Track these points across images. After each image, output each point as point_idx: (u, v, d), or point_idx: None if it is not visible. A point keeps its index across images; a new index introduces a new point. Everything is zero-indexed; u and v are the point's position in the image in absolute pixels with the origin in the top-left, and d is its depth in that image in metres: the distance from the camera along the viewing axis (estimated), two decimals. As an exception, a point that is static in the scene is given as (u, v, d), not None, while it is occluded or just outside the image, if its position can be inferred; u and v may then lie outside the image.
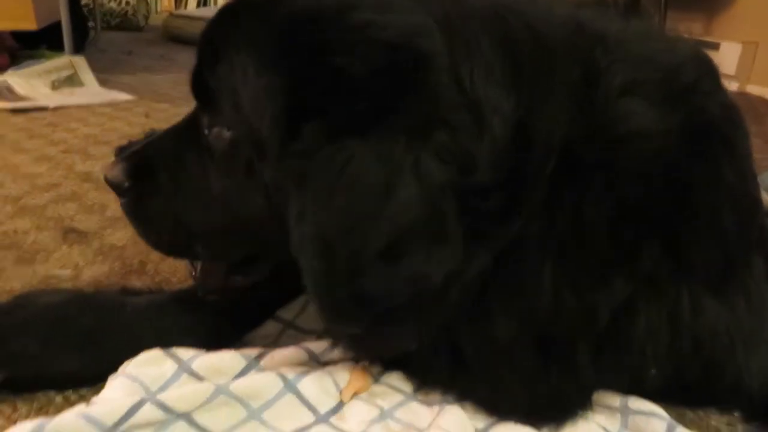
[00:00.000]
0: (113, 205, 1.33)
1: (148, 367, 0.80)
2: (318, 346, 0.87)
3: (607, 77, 0.75)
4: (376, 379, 0.86)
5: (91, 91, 2.72)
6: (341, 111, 0.66)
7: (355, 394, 0.82)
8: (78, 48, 3.18)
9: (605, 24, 0.81)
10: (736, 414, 0.87)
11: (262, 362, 0.84)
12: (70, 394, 0.82)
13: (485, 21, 0.72)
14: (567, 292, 0.74)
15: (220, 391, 0.75)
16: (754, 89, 3.72)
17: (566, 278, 0.74)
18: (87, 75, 2.85)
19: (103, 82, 2.85)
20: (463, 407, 0.80)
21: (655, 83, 0.77)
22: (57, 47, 3.06)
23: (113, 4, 5.09)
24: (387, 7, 0.69)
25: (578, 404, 0.80)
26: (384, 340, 0.77)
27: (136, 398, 0.72)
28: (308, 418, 0.78)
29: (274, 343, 0.93)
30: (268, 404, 0.78)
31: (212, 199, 0.80)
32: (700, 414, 0.87)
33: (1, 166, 1.73)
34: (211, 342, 0.86)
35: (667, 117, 0.75)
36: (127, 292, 1.00)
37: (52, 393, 0.81)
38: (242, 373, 0.82)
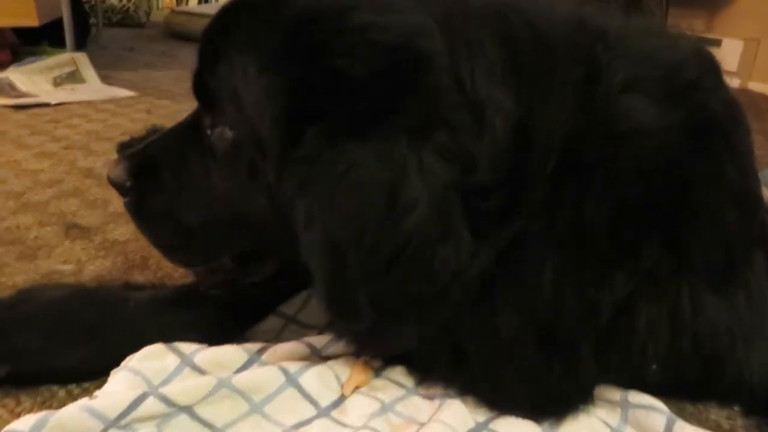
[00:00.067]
0: (115, 200, 1.33)
1: (151, 361, 0.80)
2: (319, 340, 0.88)
3: (608, 74, 0.75)
4: (377, 374, 0.86)
5: (92, 88, 2.72)
6: (341, 112, 0.66)
7: (356, 388, 0.82)
8: (79, 44, 3.18)
9: (606, 21, 0.82)
10: (736, 408, 0.88)
11: (264, 356, 0.84)
12: (74, 388, 0.82)
13: (486, 20, 0.72)
14: (568, 290, 0.74)
15: (222, 384, 0.76)
16: (755, 86, 3.71)
17: (567, 276, 0.74)
18: (89, 71, 2.85)
19: (105, 79, 2.85)
20: (464, 401, 0.81)
21: (657, 80, 0.77)
22: (58, 44, 3.06)
23: (114, 1, 5.09)
24: (387, 8, 0.70)
25: (579, 399, 0.81)
26: (387, 337, 0.77)
27: (138, 392, 0.72)
28: (309, 411, 0.79)
29: (275, 337, 0.93)
30: (269, 398, 0.78)
31: (215, 198, 0.81)
32: (699, 408, 0.87)
33: (4, 162, 1.73)
34: (213, 337, 0.87)
35: (668, 114, 0.75)
36: (129, 287, 1.00)
37: (55, 387, 0.82)
38: (244, 367, 0.82)
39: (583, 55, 0.76)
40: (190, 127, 0.84)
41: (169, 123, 0.89)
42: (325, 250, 0.66)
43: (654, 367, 0.80)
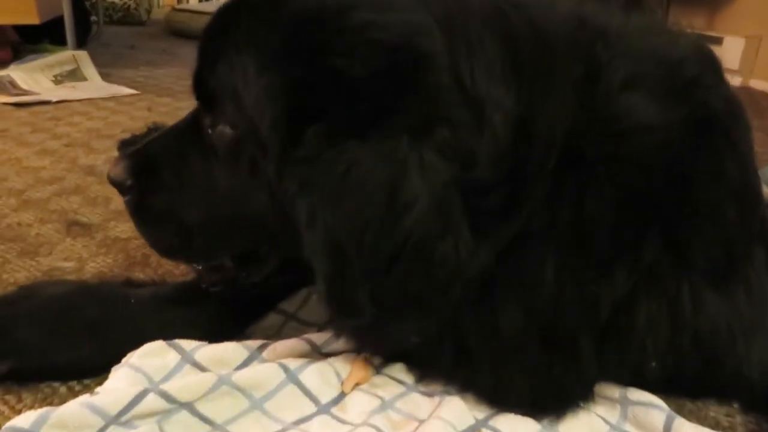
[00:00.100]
0: (116, 198, 1.33)
1: (152, 358, 0.81)
2: (319, 337, 0.88)
3: (609, 72, 0.75)
4: (377, 371, 0.86)
5: (93, 86, 2.72)
6: (342, 112, 0.66)
7: (356, 385, 0.83)
8: (80, 42, 3.17)
9: (607, 19, 0.81)
10: (735, 405, 0.88)
11: (264, 353, 0.84)
12: (74, 385, 0.82)
13: (486, 18, 0.72)
14: (569, 286, 0.75)
15: (222, 381, 0.76)
16: (757, 84, 3.71)
17: (568, 272, 0.74)
18: (89, 69, 2.85)
19: (106, 77, 2.85)
20: (464, 398, 0.81)
21: (657, 77, 0.77)
22: (59, 42, 3.06)
23: (115, -2, 5.09)
24: (387, 6, 0.70)
25: (580, 397, 0.81)
26: (387, 334, 0.77)
27: (139, 388, 0.72)
28: (309, 408, 0.79)
29: (276, 335, 0.94)
30: (270, 395, 0.79)
31: (216, 196, 0.81)
32: (698, 405, 0.88)
33: (5, 160, 1.73)
34: (214, 334, 0.87)
35: (669, 111, 0.75)
36: (130, 284, 1.01)
37: (56, 383, 0.82)
38: (244, 364, 0.83)
39: (584, 53, 0.76)
40: (191, 125, 0.84)
41: (170, 120, 0.89)
42: (326, 249, 0.66)
43: (654, 364, 0.80)
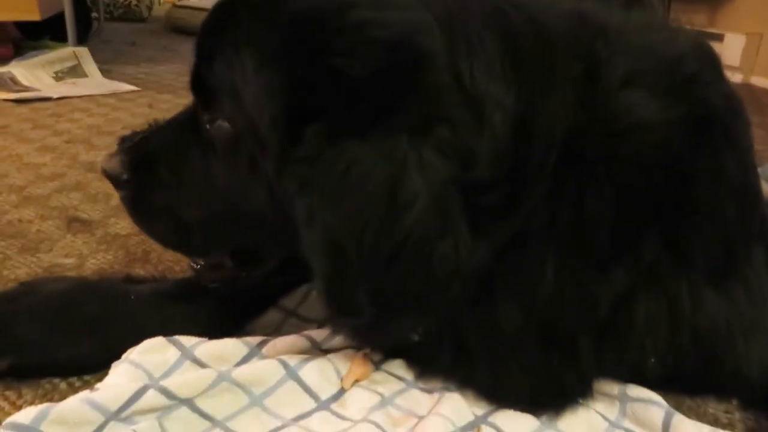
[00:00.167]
0: (117, 195, 1.33)
1: (152, 354, 0.81)
2: (319, 334, 0.88)
3: (608, 69, 0.75)
4: (377, 367, 0.86)
5: (94, 82, 2.72)
6: (341, 112, 0.66)
7: (356, 382, 0.83)
8: (81, 39, 3.17)
9: (606, 16, 0.81)
10: (734, 402, 0.88)
11: (264, 350, 0.85)
12: (75, 381, 0.83)
13: (486, 16, 0.72)
14: (568, 285, 0.75)
15: (222, 377, 0.76)
16: (757, 81, 3.70)
17: (567, 271, 0.74)
18: (90, 66, 2.85)
19: (107, 73, 2.85)
20: (463, 395, 0.81)
21: (657, 74, 0.77)
22: (60, 38, 3.06)
23: (116, -5, 5.09)
24: (387, 5, 0.69)
25: (579, 393, 0.81)
26: (387, 331, 0.78)
27: (139, 384, 0.72)
28: (309, 404, 0.79)
29: (276, 331, 0.94)
30: (269, 391, 0.79)
31: (214, 192, 0.81)
32: (698, 402, 0.88)
33: (6, 156, 1.74)
34: (214, 330, 0.87)
35: (668, 109, 0.75)
36: (130, 280, 1.01)
37: (56, 379, 0.82)
38: (244, 360, 0.83)
39: (584, 51, 0.76)
40: (188, 120, 0.84)
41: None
42: (325, 248, 0.66)
43: (652, 361, 0.80)
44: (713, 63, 0.85)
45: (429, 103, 0.66)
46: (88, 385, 0.80)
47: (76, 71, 2.79)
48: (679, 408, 0.83)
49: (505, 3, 0.74)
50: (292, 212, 0.70)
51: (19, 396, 0.79)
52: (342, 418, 0.78)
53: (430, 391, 0.83)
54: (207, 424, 0.74)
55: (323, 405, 0.79)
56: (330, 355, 0.85)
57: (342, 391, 0.82)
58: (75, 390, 0.80)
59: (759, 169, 0.91)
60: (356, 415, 0.78)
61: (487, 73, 0.69)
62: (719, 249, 0.80)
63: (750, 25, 3.76)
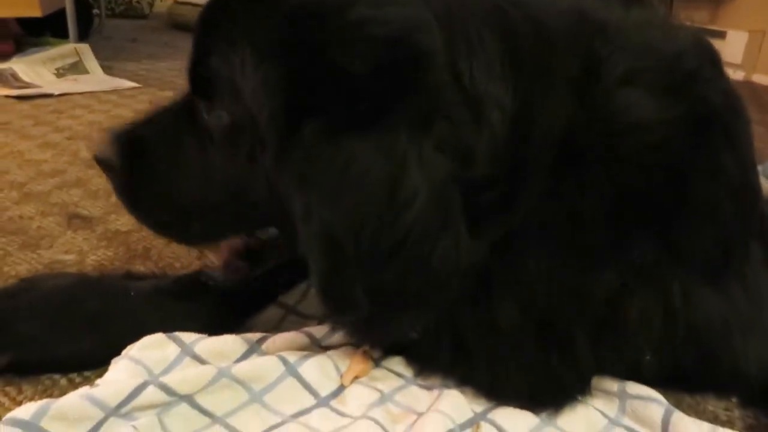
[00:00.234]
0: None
1: (152, 351, 0.81)
2: (319, 330, 0.88)
3: (607, 67, 0.75)
4: (377, 364, 0.87)
5: (95, 79, 2.72)
6: (340, 110, 0.65)
7: (355, 378, 0.83)
8: (82, 35, 3.17)
9: (606, 13, 0.81)
10: (734, 399, 0.88)
11: (264, 346, 0.85)
12: (75, 377, 0.83)
13: (486, 14, 0.72)
14: (563, 282, 0.75)
15: (222, 374, 0.76)
16: (759, 78, 3.70)
17: (563, 268, 0.75)
18: (91, 62, 2.85)
19: (108, 70, 2.85)
20: (462, 392, 0.81)
21: (656, 72, 0.77)
22: (61, 34, 3.05)
23: (117, -8, 5.08)
24: (387, 2, 0.69)
25: (577, 390, 0.81)
26: (385, 328, 0.78)
27: (139, 380, 0.73)
28: (309, 401, 0.79)
29: (275, 328, 0.94)
30: (269, 387, 0.79)
31: (211, 181, 0.81)
32: (697, 399, 0.88)
33: (7, 153, 1.74)
34: (214, 327, 0.87)
35: (667, 107, 0.75)
36: (131, 276, 1.01)
37: (56, 376, 0.82)
38: (244, 356, 0.83)
39: (583, 49, 0.75)
40: (183, 110, 0.84)
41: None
42: (323, 245, 0.66)
43: (648, 357, 0.80)
44: (713, 60, 0.84)
45: (428, 101, 0.66)
46: (88, 381, 0.81)
47: (77, 68, 2.79)
48: (678, 405, 0.83)
49: (504, 1, 0.74)
50: (289, 208, 0.70)
51: (19, 392, 0.80)
52: (341, 414, 0.78)
53: (429, 388, 0.83)
54: (207, 420, 0.74)
55: (323, 401, 0.80)
56: (330, 352, 0.85)
57: (341, 388, 0.82)
58: (75, 386, 0.80)
59: (759, 167, 0.91)
60: (356, 412, 0.78)
61: (487, 72, 0.69)
62: (715, 247, 0.80)
63: (752, 22, 3.75)
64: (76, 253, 1.18)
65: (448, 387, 0.82)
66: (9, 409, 0.71)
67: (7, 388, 0.80)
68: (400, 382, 0.84)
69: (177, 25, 4.48)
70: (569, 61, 0.74)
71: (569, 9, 0.79)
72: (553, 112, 0.72)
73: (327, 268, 0.67)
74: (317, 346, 0.87)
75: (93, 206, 1.40)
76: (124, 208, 0.88)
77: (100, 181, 1.53)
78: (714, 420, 0.84)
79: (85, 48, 2.89)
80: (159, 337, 0.83)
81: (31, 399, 0.77)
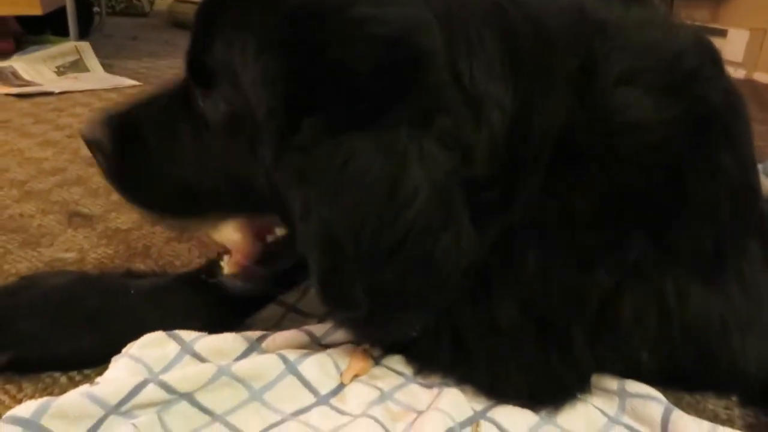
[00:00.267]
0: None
1: (151, 349, 0.81)
2: (319, 329, 0.88)
3: (606, 66, 0.75)
4: (377, 362, 0.87)
5: (96, 77, 2.72)
6: (341, 109, 0.65)
7: (355, 377, 0.83)
8: (83, 34, 3.17)
9: (606, 12, 0.81)
10: (734, 398, 0.88)
11: (264, 344, 0.85)
12: (75, 375, 0.83)
13: (486, 13, 0.72)
14: (560, 279, 0.75)
15: (222, 372, 0.76)
16: (760, 77, 3.69)
17: (560, 267, 0.75)
18: (92, 60, 2.84)
19: (108, 68, 2.84)
20: (462, 390, 0.81)
21: (655, 71, 0.77)
22: (62, 33, 3.05)
23: (118, -10, 5.08)
24: (387, 1, 0.69)
25: (577, 388, 0.81)
26: (386, 325, 0.78)
27: (139, 378, 0.73)
28: (309, 399, 0.79)
29: (275, 326, 0.94)
30: (269, 385, 0.79)
31: (206, 166, 0.80)
32: (697, 398, 0.88)
33: (7, 151, 1.74)
34: (213, 325, 0.87)
35: (665, 106, 0.75)
36: (131, 274, 1.01)
37: (56, 373, 0.83)
38: (244, 355, 0.83)
39: (583, 48, 0.75)
40: (177, 94, 0.83)
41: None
42: (322, 243, 0.66)
43: (644, 355, 0.80)
44: (714, 59, 0.84)
45: (428, 100, 0.66)
46: (89, 379, 0.81)
47: (77, 66, 2.79)
48: (678, 404, 0.83)
49: (504, 0, 0.74)
50: (288, 205, 0.69)
51: (20, 390, 0.80)
52: (341, 412, 0.78)
53: (429, 386, 0.83)
54: (207, 418, 0.74)
55: (323, 400, 0.80)
56: (330, 350, 0.85)
57: (341, 386, 0.82)
58: (75, 384, 0.80)
59: (759, 166, 0.91)
60: (356, 410, 0.78)
61: (487, 72, 0.69)
62: (713, 247, 0.80)
63: (753, 20, 3.74)
64: (77, 251, 1.18)
65: (448, 385, 0.82)
66: (9, 407, 0.71)
67: (8, 386, 0.80)
68: (400, 380, 0.84)
69: (177, 23, 4.48)
70: (569, 61, 0.74)
71: (569, 8, 0.79)
72: (552, 112, 0.72)
73: (326, 266, 0.67)
74: (317, 345, 0.87)
75: (93, 204, 1.40)
76: (109, 183, 0.88)
77: (100, 179, 1.51)
78: (714, 418, 0.84)
79: (85, 46, 2.89)
80: (159, 335, 0.83)
81: (32, 397, 0.77)
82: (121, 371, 0.77)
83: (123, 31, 4.11)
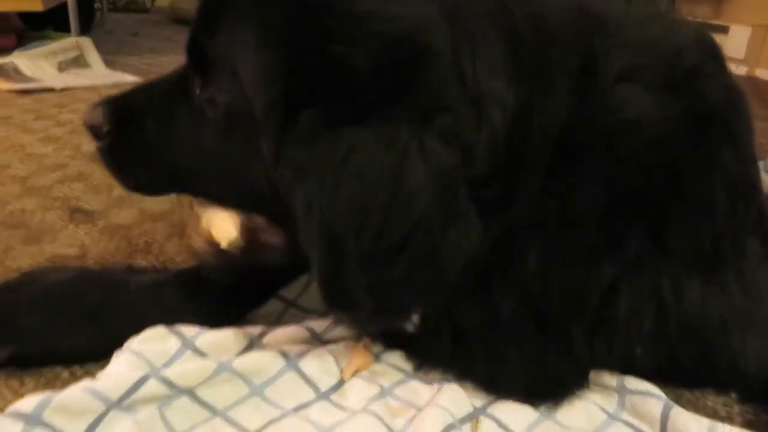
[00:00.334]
0: (119, 185, 1.34)
1: (153, 344, 0.81)
2: (319, 324, 0.88)
3: (605, 64, 0.75)
4: (377, 358, 0.87)
5: (97, 73, 2.72)
6: (341, 104, 0.65)
7: (356, 373, 0.83)
8: (84, 29, 3.17)
9: (606, 8, 0.81)
10: (733, 395, 0.88)
11: (264, 340, 0.85)
12: (77, 369, 0.83)
13: (490, 11, 0.71)
14: (560, 277, 0.75)
15: (223, 367, 0.77)
16: (762, 73, 3.69)
17: (559, 263, 0.75)
18: (93, 56, 2.84)
19: (110, 64, 2.84)
20: (462, 386, 0.81)
21: (655, 69, 0.77)
22: (63, 29, 3.05)
23: (119, -14, 5.08)
24: None
25: (576, 383, 0.82)
26: (383, 320, 0.78)
27: (140, 373, 0.73)
28: (309, 395, 0.80)
29: (276, 321, 0.94)
30: (270, 381, 0.79)
31: (203, 156, 0.80)
32: (696, 395, 0.88)
33: (9, 147, 1.74)
34: (214, 320, 0.87)
35: (666, 104, 0.75)
36: (132, 270, 1.01)
37: (58, 368, 0.83)
38: (245, 350, 0.83)
39: (583, 46, 0.75)
40: (177, 83, 0.83)
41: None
42: (324, 239, 0.65)
43: (639, 351, 0.80)
44: (715, 55, 0.84)
45: (430, 100, 0.66)
46: (90, 374, 0.81)
47: (78, 62, 2.79)
48: (678, 401, 0.83)
49: None
50: (289, 199, 0.69)
51: (22, 384, 0.80)
52: (342, 408, 0.78)
53: (429, 382, 0.83)
54: (207, 413, 0.74)
55: (323, 395, 0.80)
56: (330, 346, 0.86)
57: (342, 382, 0.82)
58: (77, 379, 0.80)
59: (760, 163, 0.91)
60: (356, 406, 0.78)
61: (490, 71, 0.69)
62: (712, 244, 0.79)
63: (755, 17, 3.74)
64: (78, 247, 1.18)
65: (448, 381, 0.82)
66: (11, 402, 0.71)
67: (10, 381, 0.80)
68: (400, 376, 0.84)
69: (178, 19, 4.47)
70: (569, 59, 0.74)
71: (569, 4, 0.79)
72: (553, 110, 0.72)
73: (328, 263, 0.67)
74: (318, 340, 0.88)
75: (95, 200, 1.40)
76: (107, 169, 0.88)
77: (101, 175, 1.53)
78: (713, 415, 0.84)
79: (86, 42, 2.89)
80: (160, 330, 0.83)
81: (33, 391, 0.77)
82: (123, 366, 0.78)
83: (124, 27, 4.11)
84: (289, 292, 0.99)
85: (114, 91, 0.89)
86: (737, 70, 3.52)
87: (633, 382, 0.84)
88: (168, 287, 0.91)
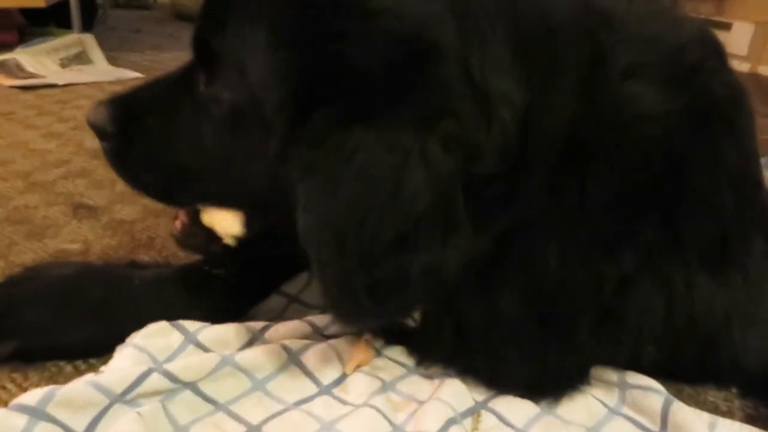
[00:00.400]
0: (122, 181, 1.34)
1: (156, 338, 0.82)
2: (321, 319, 0.89)
3: (612, 60, 0.75)
4: (379, 353, 0.87)
5: (99, 69, 2.72)
6: (351, 101, 0.65)
7: (357, 367, 0.84)
8: (86, 26, 3.17)
9: (611, 4, 0.81)
10: (734, 390, 0.89)
11: (267, 335, 0.86)
12: (80, 364, 0.83)
13: (499, 7, 0.71)
14: (566, 273, 0.75)
15: (225, 362, 0.77)
16: (765, 70, 3.67)
17: (565, 259, 0.75)
18: (95, 53, 2.85)
19: (112, 60, 2.84)
20: (464, 381, 0.82)
21: (660, 64, 0.77)
22: (65, 25, 3.06)
23: (121, -18, 5.07)
24: None
25: (577, 379, 0.82)
26: (381, 317, 0.78)
27: (143, 368, 0.74)
28: (311, 389, 0.80)
29: (278, 317, 0.95)
30: (272, 375, 0.80)
31: (206, 154, 0.80)
32: (697, 390, 0.88)
33: (12, 143, 1.74)
34: (217, 315, 0.88)
35: (670, 99, 0.75)
36: (135, 266, 1.01)
37: (62, 362, 0.83)
38: (247, 345, 0.84)
39: (589, 42, 0.75)
40: (183, 78, 0.83)
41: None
42: (323, 236, 0.66)
43: (650, 347, 0.80)
44: (717, 52, 0.84)
45: (438, 97, 0.66)
46: (93, 368, 0.81)
47: (81, 58, 2.79)
48: (678, 395, 0.84)
49: None
50: (291, 197, 0.69)
51: (26, 378, 0.81)
52: (343, 402, 0.79)
53: (431, 377, 0.84)
54: (210, 407, 0.75)
55: (325, 390, 0.80)
56: (332, 341, 0.86)
57: (344, 377, 0.82)
58: (80, 373, 0.81)
59: (763, 159, 0.91)
60: (357, 400, 0.79)
61: (498, 68, 0.68)
62: (715, 238, 0.80)
63: (758, 13, 3.72)
64: (81, 242, 1.19)
65: (449, 376, 0.83)
66: (15, 395, 0.71)
67: (14, 375, 0.81)
68: (401, 371, 0.85)
69: (181, 15, 4.46)
70: (576, 55, 0.74)
71: (575, 0, 0.79)
72: (561, 106, 0.72)
73: (328, 261, 0.67)
74: (320, 335, 0.88)
75: (98, 196, 1.41)
76: (112, 168, 0.88)
77: (104, 171, 1.52)
78: (714, 410, 0.85)
79: (89, 38, 2.89)
80: (163, 325, 0.84)
81: (37, 385, 0.78)
82: (126, 360, 0.78)
83: (126, 23, 4.10)
84: (292, 287, 1.00)
85: (116, 88, 0.89)
86: (740, 66, 3.51)
87: (633, 377, 0.84)
88: (171, 283, 0.91)
